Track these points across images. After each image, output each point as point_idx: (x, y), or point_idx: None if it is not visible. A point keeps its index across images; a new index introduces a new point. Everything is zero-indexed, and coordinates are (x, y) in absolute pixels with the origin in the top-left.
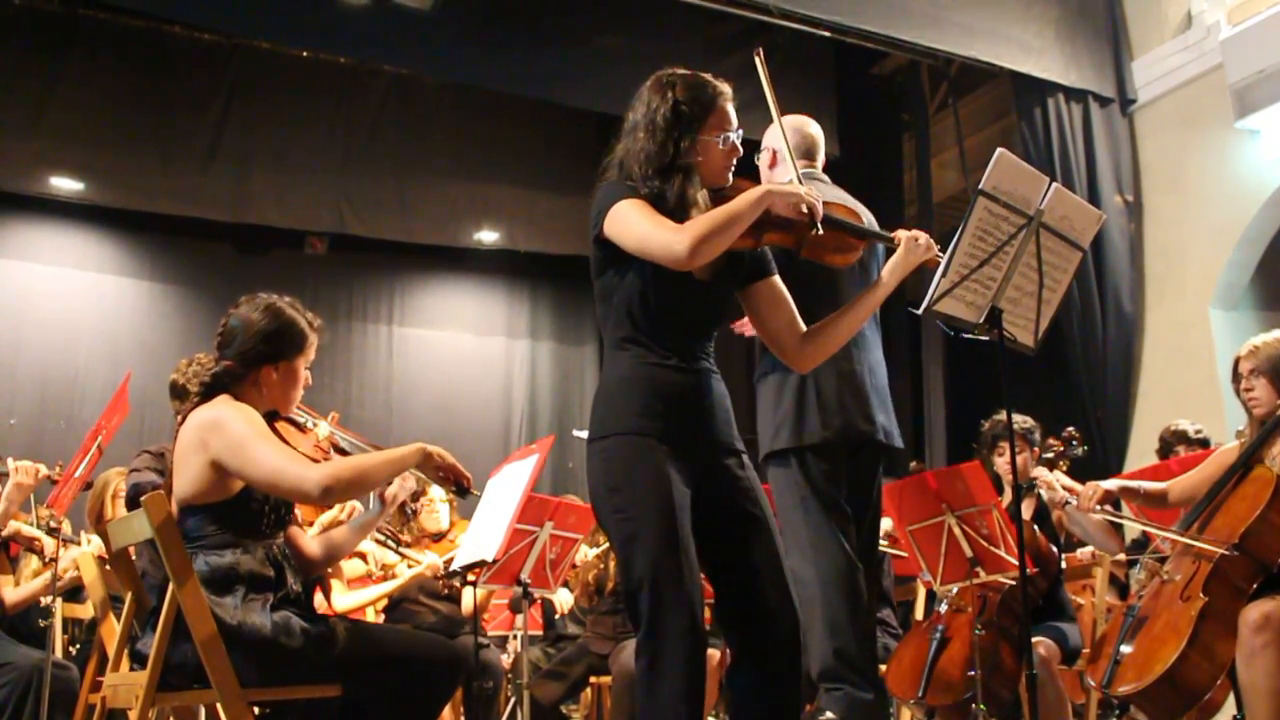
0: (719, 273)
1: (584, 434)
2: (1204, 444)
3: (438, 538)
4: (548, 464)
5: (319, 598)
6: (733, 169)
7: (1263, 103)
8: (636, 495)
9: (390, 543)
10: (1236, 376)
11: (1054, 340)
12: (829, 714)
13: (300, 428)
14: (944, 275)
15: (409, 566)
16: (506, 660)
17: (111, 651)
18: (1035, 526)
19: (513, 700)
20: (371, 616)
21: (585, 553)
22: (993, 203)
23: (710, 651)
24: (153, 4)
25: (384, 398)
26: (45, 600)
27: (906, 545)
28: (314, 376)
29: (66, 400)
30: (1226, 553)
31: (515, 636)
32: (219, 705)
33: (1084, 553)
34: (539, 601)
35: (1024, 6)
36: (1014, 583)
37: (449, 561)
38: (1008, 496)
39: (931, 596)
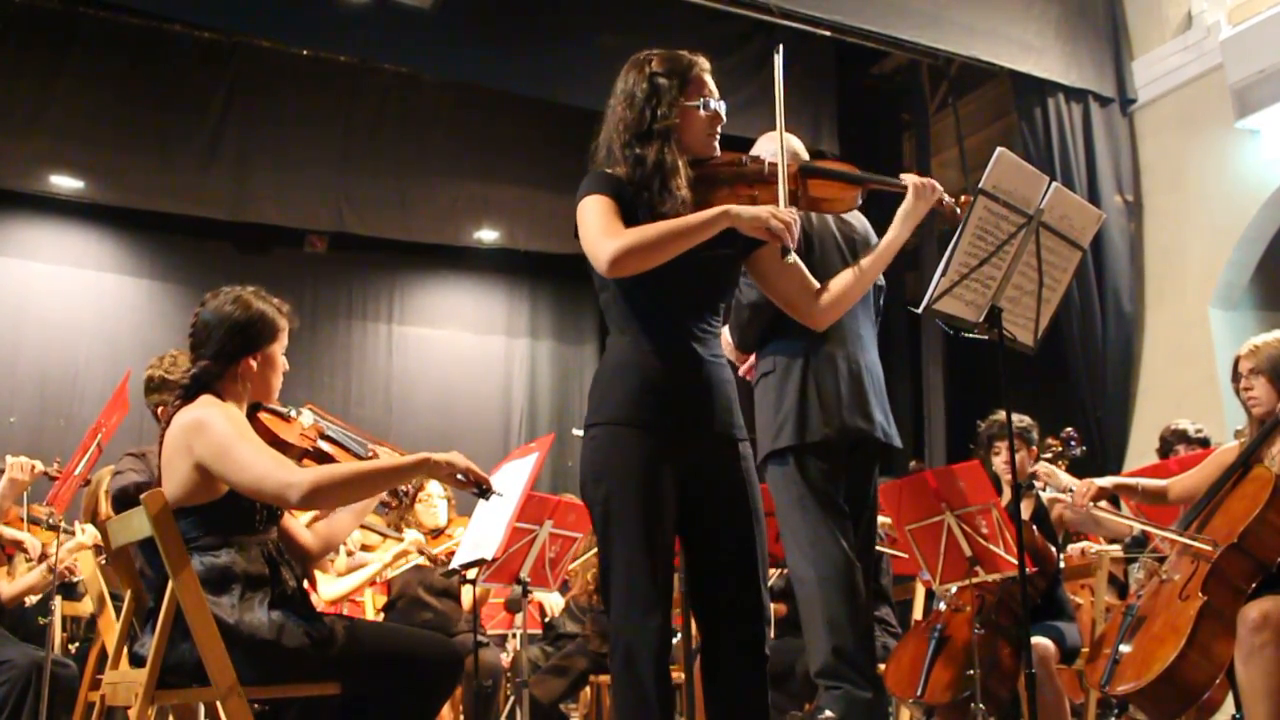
0: (714, 242)
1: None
2: (1204, 443)
3: (436, 533)
4: (547, 462)
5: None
6: (717, 138)
7: (1263, 103)
8: (615, 487)
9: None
10: (1236, 376)
11: (1054, 340)
12: (828, 712)
13: (284, 417)
14: (944, 274)
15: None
16: (505, 659)
17: (111, 647)
18: (1034, 526)
19: (512, 699)
20: (371, 614)
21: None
22: (993, 202)
23: None
24: (153, 2)
25: (384, 396)
26: (32, 600)
27: (906, 545)
28: (314, 375)
29: (66, 398)
30: (1210, 549)
31: (514, 635)
32: (218, 703)
33: (1074, 549)
34: (538, 601)
35: (1024, 6)
36: (1006, 578)
37: (447, 553)
38: (1006, 496)
39: (930, 595)
